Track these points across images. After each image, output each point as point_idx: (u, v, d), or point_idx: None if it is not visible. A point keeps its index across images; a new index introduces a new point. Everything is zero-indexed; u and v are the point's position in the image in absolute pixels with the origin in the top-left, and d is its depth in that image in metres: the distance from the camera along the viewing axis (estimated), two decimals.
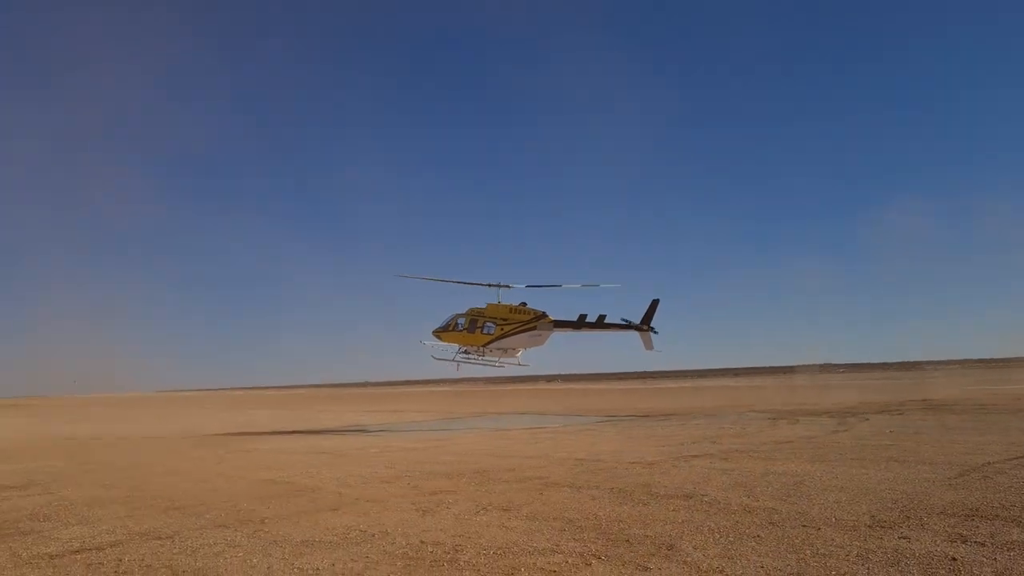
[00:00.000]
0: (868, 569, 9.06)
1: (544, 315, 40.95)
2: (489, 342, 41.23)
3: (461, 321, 41.53)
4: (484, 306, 41.79)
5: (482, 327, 41.18)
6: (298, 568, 9.98)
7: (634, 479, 17.15)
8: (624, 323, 40.47)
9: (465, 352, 42.25)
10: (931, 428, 27.89)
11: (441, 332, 42.09)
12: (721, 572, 9.12)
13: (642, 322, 40.05)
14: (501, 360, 42.63)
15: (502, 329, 41.04)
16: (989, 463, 17.96)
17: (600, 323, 40.37)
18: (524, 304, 41.34)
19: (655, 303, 40.27)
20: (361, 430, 40.35)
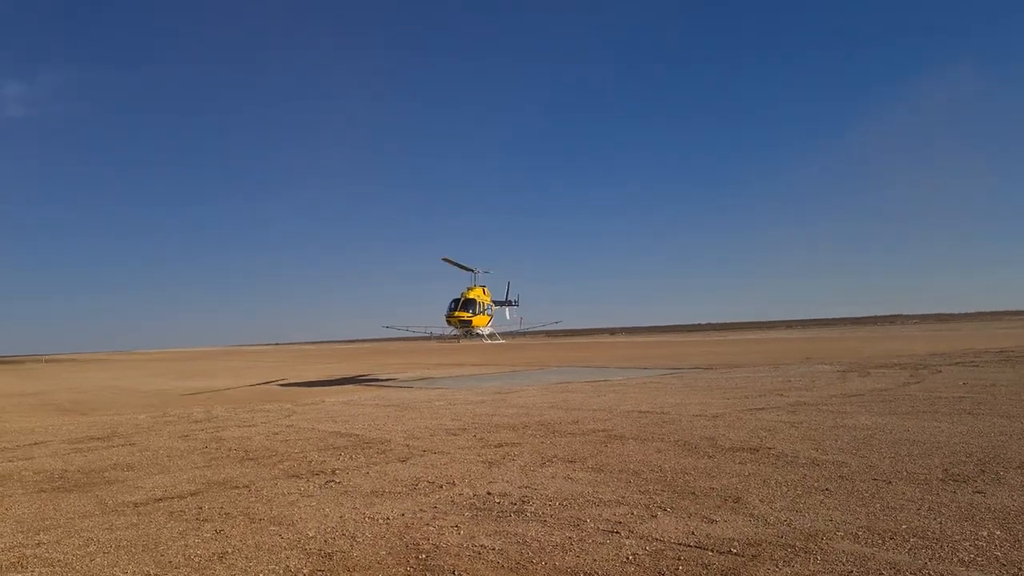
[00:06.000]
0: (941, 524, 8.87)
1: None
2: (488, 322, 45.68)
3: (478, 304, 44.72)
4: (468, 290, 44.93)
5: (485, 309, 45.04)
6: (369, 517, 10.25)
7: (699, 431, 17.08)
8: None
9: (467, 333, 45.37)
10: (1008, 380, 27.02)
11: (472, 316, 43.77)
12: (788, 525, 9.04)
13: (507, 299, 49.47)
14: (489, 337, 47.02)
15: (493, 309, 46.00)
16: None
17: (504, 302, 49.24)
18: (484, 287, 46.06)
19: (508, 283, 49.54)
20: (426, 383, 40.99)
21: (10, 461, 16.72)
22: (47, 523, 10.68)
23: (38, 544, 9.50)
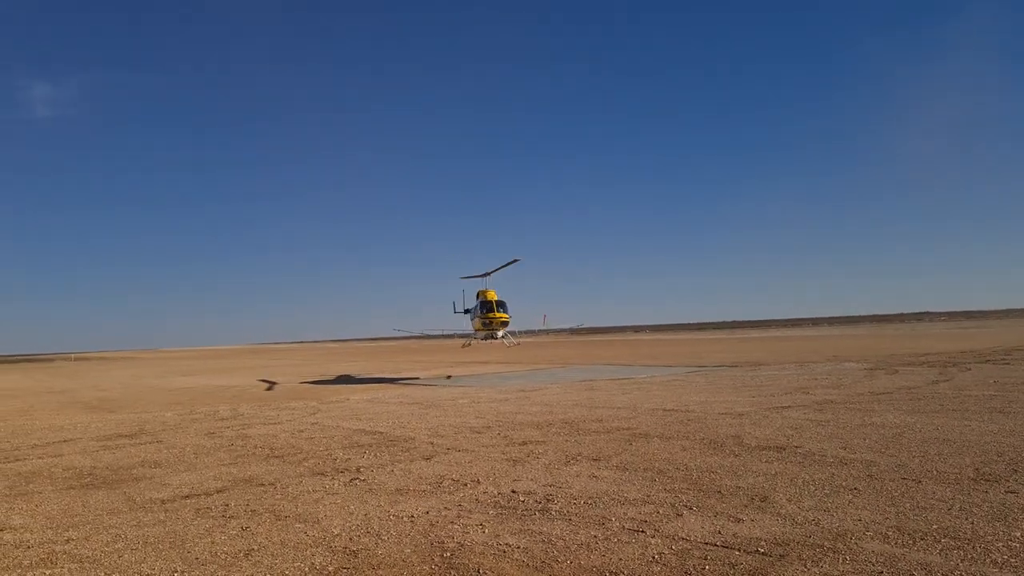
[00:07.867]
0: (972, 524, 8.72)
1: None
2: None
3: (501, 302, 44.41)
4: (485, 291, 44.93)
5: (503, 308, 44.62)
6: (394, 515, 10.25)
7: (725, 430, 16.95)
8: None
9: (488, 336, 45.12)
10: None
11: (505, 316, 43.72)
12: (816, 525, 8.93)
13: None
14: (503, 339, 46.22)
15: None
16: None
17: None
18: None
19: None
20: (449, 381, 41.02)
21: (40, 458, 16.94)
22: (76, 519, 10.80)
23: (67, 540, 9.60)
